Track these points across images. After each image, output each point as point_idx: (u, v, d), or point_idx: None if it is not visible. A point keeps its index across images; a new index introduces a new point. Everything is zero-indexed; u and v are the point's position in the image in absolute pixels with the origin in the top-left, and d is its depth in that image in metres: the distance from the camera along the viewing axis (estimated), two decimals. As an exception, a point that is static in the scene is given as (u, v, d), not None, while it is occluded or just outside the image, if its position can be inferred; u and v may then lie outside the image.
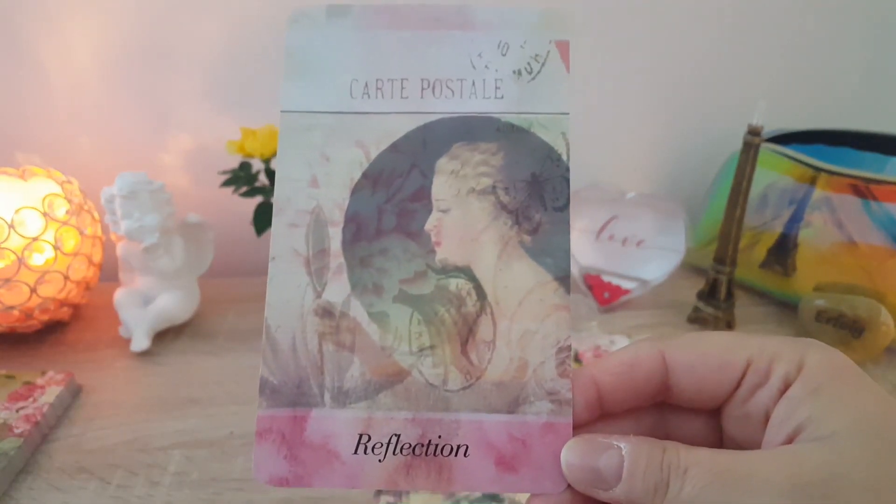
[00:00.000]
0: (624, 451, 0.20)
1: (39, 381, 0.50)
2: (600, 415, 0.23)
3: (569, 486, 0.21)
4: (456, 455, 0.22)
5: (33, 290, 0.54)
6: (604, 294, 0.65)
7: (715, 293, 0.61)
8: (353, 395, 0.22)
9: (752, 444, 0.21)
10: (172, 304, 0.59)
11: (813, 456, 0.18)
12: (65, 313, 0.59)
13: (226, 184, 0.63)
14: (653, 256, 0.66)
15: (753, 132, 0.55)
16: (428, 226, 0.23)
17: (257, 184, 0.63)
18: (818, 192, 0.60)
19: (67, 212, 0.56)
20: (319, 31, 0.24)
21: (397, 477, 0.22)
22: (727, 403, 0.22)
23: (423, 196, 0.23)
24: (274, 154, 0.62)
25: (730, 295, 0.60)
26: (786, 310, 0.64)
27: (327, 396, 0.22)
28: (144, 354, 0.56)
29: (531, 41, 0.24)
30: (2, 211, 0.52)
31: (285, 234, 0.23)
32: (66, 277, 0.56)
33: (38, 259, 0.55)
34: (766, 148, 0.62)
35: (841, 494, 0.17)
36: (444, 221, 0.23)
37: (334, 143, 0.24)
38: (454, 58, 0.24)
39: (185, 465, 0.43)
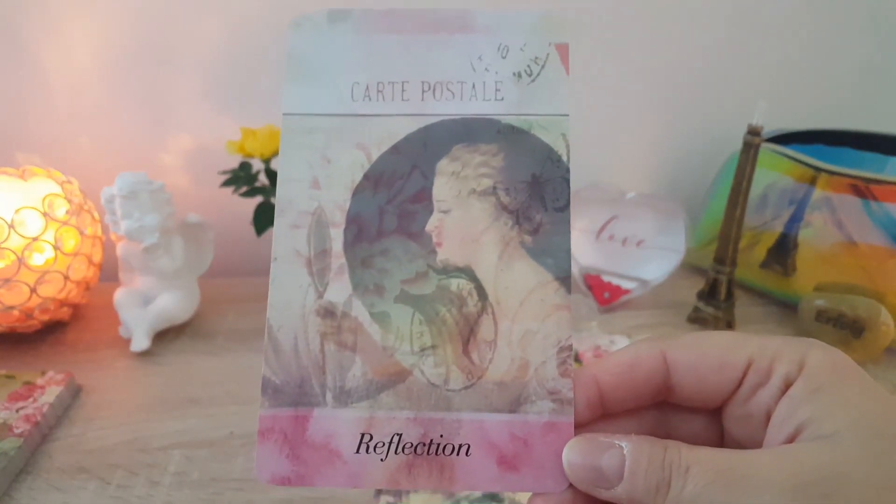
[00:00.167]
0: (625, 450, 0.20)
1: (39, 381, 0.50)
2: (602, 414, 0.23)
3: (570, 485, 0.21)
4: (458, 454, 0.22)
5: (33, 290, 0.54)
6: (604, 294, 0.65)
7: (715, 293, 0.61)
8: (354, 394, 0.22)
9: (754, 444, 0.21)
10: (172, 304, 0.59)
11: (814, 455, 0.18)
12: (65, 313, 0.59)
13: (226, 184, 0.63)
14: (653, 256, 0.66)
15: (753, 132, 0.55)
16: (429, 227, 0.23)
17: (257, 184, 0.63)
18: (818, 192, 0.60)
19: (67, 212, 0.56)
20: (321, 35, 0.24)
21: (399, 476, 0.22)
22: (728, 403, 0.22)
23: (424, 197, 0.23)
24: (274, 154, 0.62)
25: (730, 295, 0.61)
26: (786, 310, 0.64)
27: (329, 396, 0.22)
28: (144, 354, 0.56)
29: (531, 44, 0.24)
30: (2, 211, 0.52)
31: (287, 236, 0.23)
32: (66, 277, 0.56)
33: (38, 259, 0.55)
34: (766, 148, 0.63)
35: (842, 493, 0.17)
36: (445, 222, 0.23)
37: (336, 146, 0.24)
38: (454, 61, 0.24)
39: (185, 465, 0.43)
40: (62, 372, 0.51)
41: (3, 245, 0.52)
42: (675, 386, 0.22)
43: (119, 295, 0.59)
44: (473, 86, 0.24)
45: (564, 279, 0.23)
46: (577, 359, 0.52)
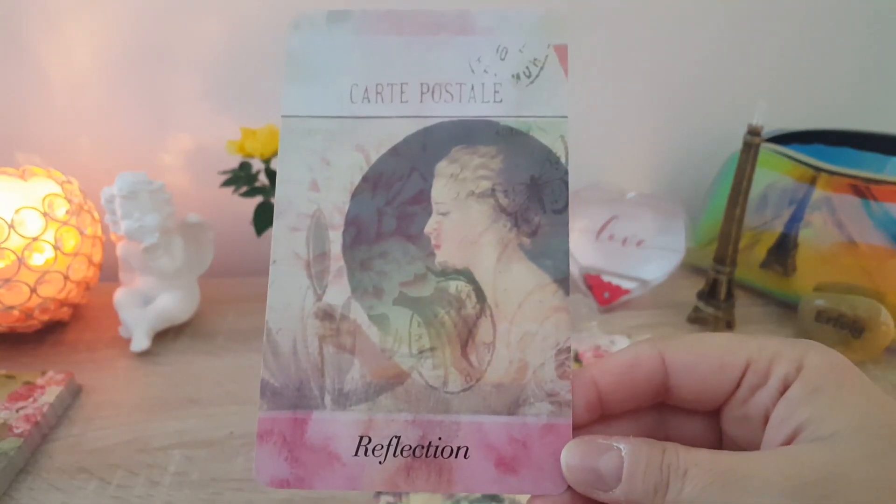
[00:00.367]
0: (624, 452, 0.20)
1: (39, 381, 0.50)
2: (600, 416, 0.23)
3: (569, 487, 0.21)
4: (456, 457, 0.22)
5: (33, 290, 0.54)
6: (604, 294, 0.65)
7: (715, 293, 0.61)
8: (353, 397, 0.23)
9: (752, 445, 0.21)
10: (172, 304, 0.59)
11: (812, 456, 0.18)
12: (65, 313, 0.60)
13: (226, 184, 0.63)
14: (653, 256, 0.66)
15: (753, 132, 0.55)
16: (428, 229, 0.23)
17: (257, 184, 0.63)
18: (818, 192, 0.60)
19: (67, 212, 0.56)
20: (320, 36, 0.24)
21: (398, 478, 0.22)
22: (727, 404, 0.22)
23: (422, 199, 0.23)
24: (274, 154, 0.62)
25: (730, 295, 0.60)
26: (786, 310, 0.64)
27: (328, 398, 0.22)
28: (144, 354, 0.56)
29: (530, 45, 0.24)
30: (2, 211, 0.52)
31: (286, 238, 0.23)
32: (66, 277, 0.56)
33: (38, 259, 0.55)
34: (766, 148, 0.62)
35: (840, 494, 0.17)
36: (443, 224, 0.23)
37: (335, 148, 0.24)
38: (453, 62, 0.24)
39: (185, 465, 0.43)
40: (62, 372, 0.51)
41: (3, 245, 0.52)
42: (674, 387, 0.22)
43: (119, 295, 0.59)
44: (472, 87, 0.24)
45: (563, 281, 0.23)
46: (577, 359, 0.52)
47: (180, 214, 0.60)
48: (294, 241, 0.23)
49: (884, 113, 0.78)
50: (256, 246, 0.63)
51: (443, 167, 0.24)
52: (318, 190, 0.23)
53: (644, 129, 0.78)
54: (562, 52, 0.24)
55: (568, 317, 0.23)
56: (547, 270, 0.23)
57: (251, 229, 0.62)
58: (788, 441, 0.20)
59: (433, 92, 0.24)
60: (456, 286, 0.23)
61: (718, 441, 0.23)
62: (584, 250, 0.68)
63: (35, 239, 0.54)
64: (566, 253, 0.23)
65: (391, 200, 0.23)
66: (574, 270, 0.67)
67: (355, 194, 0.23)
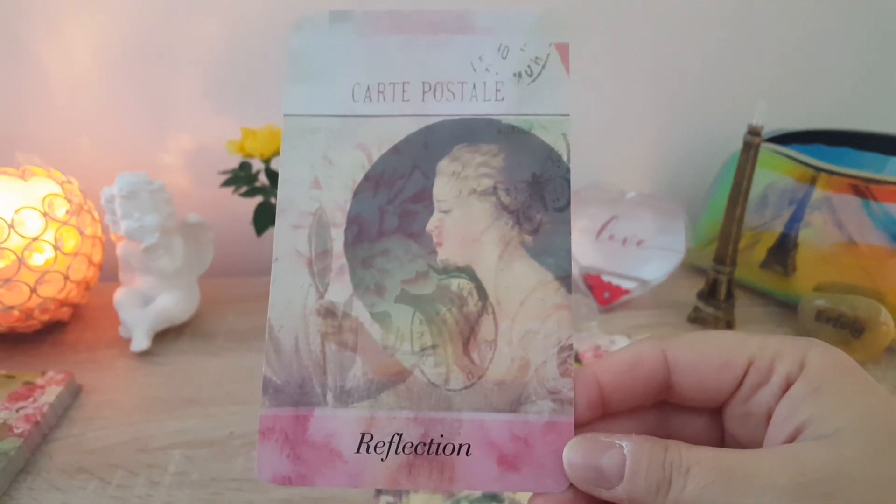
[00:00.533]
0: (626, 449, 0.20)
1: (39, 381, 0.50)
2: (602, 414, 0.23)
3: (571, 485, 0.21)
4: (458, 454, 0.22)
5: (33, 290, 0.54)
6: (604, 294, 0.65)
7: (715, 293, 0.61)
8: (355, 394, 0.23)
9: (754, 443, 0.21)
10: (172, 304, 0.59)
11: (815, 454, 0.18)
12: (65, 313, 0.59)
13: (226, 184, 0.63)
14: (653, 256, 0.66)
15: (753, 132, 0.55)
16: (429, 226, 0.23)
17: (257, 184, 0.63)
18: (818, 192, 0.60)
19: (67, 212, 0.56)
20: (322, 36, 0.24)
21: (399, 476, 0.22)
22: (729, 402, 0.22)
23: (424, 197, 0.23)
24: (274, 154, 0.62)
25: (730, 295, 0.61)
26: (786, 310, 0.64)
27: (330, 396, 0.22)
28: (144, 354, 0.56)
29: (531, 44, 0.24)
30: (2, 211, 0.52)
31: (288, 236, 0.23)
32: (66, 277, 0.56)
33: (38, 259, 0.55)
34: (766, 148, 0.63)
35: (843, 492, 0.17)
36: (445, 222, 0.23)
37: (336, 146, 0.24)
38: (455, 61, 0.24)
39: (185, 465, 0.43)
40: (62, 372, 0.51)
41: (3, 245, 0.52)
42: (676, 385, 0.22)
43: (119, 295, 0.59)
44: (474, 86, 0.24)
45: (565, 279, 0.23)
46: (577, 359, 0.52)
47: (180, 214, 0.60)
48: (296, 239, 0.23)
49: (884, 113, 0.79)
50: (256, 246, 0.63)
51: (444, 165, 0.24)
52: (320, 188, 0.24)
53: (644, 129, 0.78)
54: (563, 50, 0.24)
55: (570, 314, 0.23)
56: (549, 268, 0.23)
57: (251, 229, 0.62)
58: (791, 439, 0.20)
59: (435, 91, 0.24)
60: (458, 284, 0.23)
61: (721, 439, 0.23)
62: (584, 250, 0.68)
63: (35, 239, 0.53)
64: (568, 251, 0.23)
65: (393, 199, 0.23)
66: (574, 270, 0.67)
67: (357, 192, 0.24)
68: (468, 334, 0.23)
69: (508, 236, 0.23)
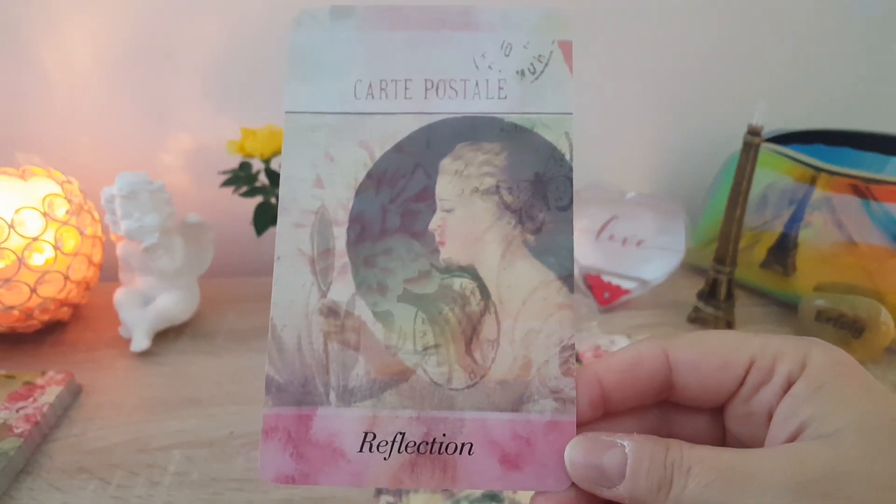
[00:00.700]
0: (627, 448, 0.20)
1: (39, 381, 0.50)
2: (604, 413, 0.23)
3: (572, 484, 0.21)
4: (460, 453, 0.22)
5: (33, 290, 0.54)
6: (604, 294, 0.65)
7: (715, 293, 0.61)
8: (358, 393, 0.22)
9: (756, 443, 0.21)
10: (172, 304, 0.58)
11: (816, 453, 0.18)
12: (65, 313, 0.59)
13: (226, 184, 0.63)
14: (653, 256, 0.66)
15: (753, 132, 0.55)
16: (432, 225, 0.23)
17: (257, 184, 0.63)
18: (818, 192, 0.60)
19: (67, 212, 0.56)
20: (323, 33, 0.24)
21: (402, 475, 0.22)
22: (730, 402, 0.22)
23: (426, 196, 0.23)
24: (274, 154, 0.62)
25: (730, 295, 0.61)
26: (786, 310, 0.64)
27: (332, 395, 0.22)
28: (144, 354, 0.56)
29: (534, 42, 0.24)
30: (2, 211, 0.52)
31: (290, 234, 0.23)
32: (66, 277, 0.56)
33: (38, 259, 0.55)
34: (766, 148, 0.63)
35: (844, 492, 0.17)
36: (447, 221, 0.23)
37: (338, 144, 0.24)
38: (457, 58, 0.24)
39: (185, 465, 0.43)
40: (62, 372, 0.51)
41: (3, 245, 0.52)
42: (678, 385, 0.22)
43: (119, 295, 0.59)
44: (476, 84, 0.24)
45: (567, 278, 0.23)
46: (578, 359, 0.52)
47: (180, 214, 0.60)
48: (298, 238, 0.23)
49: (884, 113, 0.79)
50: (256, 246, 0.63)
51: (447, 164, 0.24)
52: (322, 186, 0.23)
53: (644, 129, 0.78)
54: (566, 48, 0.24)
55: (572, 314, 0.23)
56: (551, 267, 0.23)
57: (251, 229, 0.62)
58: (792, 438, 0.20)
59: (437, 88, 0.24)
60: (460, 283, 0.23)
61: (722, 438, 0.23)
62: (584, 250, 0.68)
63: (35, 239, 0.53)
64: (570, 250, 0.23)
65: (395, 197, 0.23)
66: (574, 270, 0.67)
67: (359, 191, 0.23)
68: (470, 334, 0.23)
69: (511, 235, 0.23)
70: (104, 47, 0.66)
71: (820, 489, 0.17)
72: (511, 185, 0.23)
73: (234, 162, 0.64)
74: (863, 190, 0.57)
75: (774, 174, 0.64)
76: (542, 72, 0.24)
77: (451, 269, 0.23)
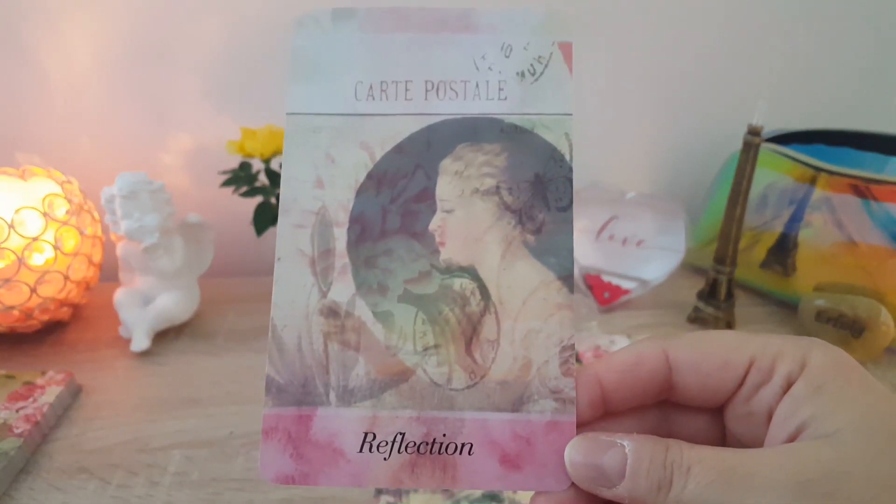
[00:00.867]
0: (627, 448, 0.20)
1: (39, 381, 0.50)
2: (604, 413, 0.23)
3: (572, 484, 0.21)
4: (460, 453, 0.22)
5: (33, 290, 0.54)
6: (604, 294, 0.65)
7: (715, 293, 0.61)
8: (358, 393, 0.23)
9: (756, 443, 0.21)
10: (172, 304, 0.59)
11: (816, 453, 0.18)
12: (65, 313, 0.59)
13: (226, 184, 0.63)
14: (653, 256, 0.66)
15: (753, 132, 0.55)
16: (432, 226, 0.23)
17: (257, 184, 0.63)
18: (818, 192, 0.60)
19: (67, 212, 0.56)
20: (325, 34, 0.24)
21: (402, 475, 0.22)
22: (730, 402, 0.22)
23: (427, 196, 0.23)
24: (274, 154, 0.62)
25: (730, 295, 0.61)
26: (786, 310, 0.64)
27: (332, 395, 0.23)
28: (144, 354, 0.56)
29: (534, 43, 0.24)
30: (2, 211, 0.52)
31: (291, 235, 0.23)
32: (66, 277, 0.56)
33: (38, 259, 0.55)
34: (766, 148, 0.63)
35: (844, 491, 0.17)
36: (448, 222, 0.23)
37: (339, 145, 0.24)
38: (458, 60, 0.24)
39: (185, 465, 0.43)
40: (62, 372, 0.51)
41: (3, 245, 0.52)
42: (678, 385, 0.22)
43: (119, 295, 0.59)
44: (477, 85, 0.24)
45: (567, 278, 0.23)
46: (578, 359, 0.52)
47: (180, 214, 0.60)
48: (299, 238, 0.23)
49: (884, 113, 0.79)
50: (256, 246, 0.63)
51: (447, 165, 0.24)
52: (322, 187, 0.24)
53: (644, 129, 0.78)
54: (566, 49, 0.24)
55: (572, 314, 0.23)
56: (551, 268, 0.23)
57: (251, 229, 0.62)
58: (792, 438, 0.20)
59: (438, 89, 0.24)
60: (460, 283, 0.23)
61: (722, 438, 0.23)
62: (584, 250, 0.68)
63: (35, 239, 0.53)
64: (570, 250, 0.23)
65: (396, 198, 0.23)
66: (574, 270, 0.67)
67: (360, 192, 0.24)
68: (470, 334, 0.23)
69: (511, 236, 0.23)
70: (104, 47, 0.66)
71: (820, 489, 0.17)
72: (511, 186, 0.23)
73: (234, 162, 0.64)
74: (863, 190, 0.57)
75: (774, 174, 0.64)
76: (542, 73, 0.24)
77: (451, 270, 0.23)
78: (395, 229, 0.23)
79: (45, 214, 0.54)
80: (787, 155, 0.63)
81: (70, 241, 0.57)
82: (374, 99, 0.24)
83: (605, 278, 0.66)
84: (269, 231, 0.62)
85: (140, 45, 0.67)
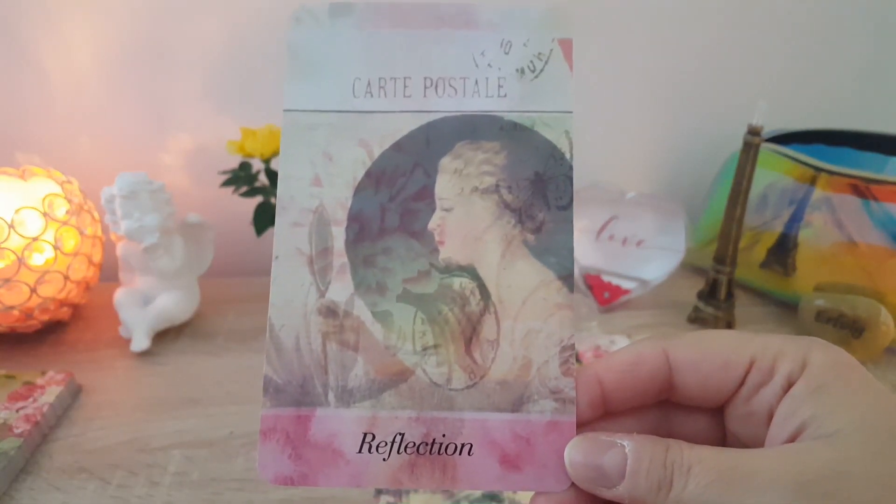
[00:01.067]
0: (627, 448, 0.20)
1: (39, 381, 0.50)
2: (604, 413, 0.23)
3: (572, 484, 0.21)
4: (460, 454, 0.22)
5: (33, 290, 0.54)
6: (604, 294, 0.65)
7: (715, 293, 0.61)
8: (357, 394, 0.22)
9: (756, 443, 0.21)
10: (172, 304, 0.58)
11: (816, 453, 0.18)
12: (65, 313, 0.59)
13: (226, 184, 0.63)
14: (653, 256, 0.66)
15: (753, 132, 0.55)
16: (431, 225, 0.23)
17: (257, 184, 0.63)
18: (818, 192, 0.60)
19: (67, 212, 0.56)
20: (322, 30, 0.24)
21: (402, 476, 0.22)
22: (731, 402, 0.22)
23: (426, 195, 0.23)
24: (274, 154, 0.62)
25: (730, 295, 0.60)
26: (786, 310, 0.64)
27: (331, 396, 0.22)
28: (144, 354, 0.56)
29: (534, 40, 0.24)
30: (2, 211, 0.52)
31: (288, 234, 0.23)
32: (66, 277, 0.56)
33: (38, 259, 0.55)
34: (766, 148, 0.63)
35: (844, 491, 0.17)
36: (447, 220, 0.23)
37: (337, 142, 0.24)
38: (457, 56, 0.24)
39: (185, 465, 0.43)
40: (62, 372, 0.51)
41: (3, 245, 0.52)
42: (678, 385, 0.22)
43: (119, 295, 0.59)
44: (476, 82, 0.24)
45: (567, 278, 0.23)
46: (578, 359, 0.52)
47: (180, 214, 0.60)
48: (296, 237, 0.23)
49: (884, 113, 0.79)
50: (256, 246, 0.63)
51: (446, 163, 0.23)
52: (320, 185, 0.23)
53: (644, 129, 0.78)
54: (566, 46, 0.24)
55: (572, 314, 0.23)
56: (551, 267, 0.23)
57: (251, 229, 0.62)
58: (792, 438, 0.19)
59: (436, 86, 0.24)
60: (460, 283, 0.23)
61: (722, 438, 0.23)
62: (584, 250, 0.68)
63: (35, 239, 0.53)
64: (570, 250, 0.23)
65: (394, 196, 0.23)
66: (574, 270, 0.67)
67: (358, 190, 0.23)
68: (470, 334, 0.23)
69: (510, 235, 0.23)
70: (104, 47, 0.66)
71: (820, 489, 0.17)
72: (511, 184, 0.23)
73: (234, 162, 0.64)
74: (863, 190, 0.57)
75: (774, 174, 0.64)
76: (542, 70, 0.24)
77: (450, 269, 0.23)
78: (393, 228, 0.23)
79: (45, 214, 0.54)
80: (787, 155, 0.63)
81: (70, 241, 0.57)
82: (372, 96, 0.24)
83: (605, 278, 0.66)
84: (269, 231, 0.62)
85: (140, 45, 0.67)
